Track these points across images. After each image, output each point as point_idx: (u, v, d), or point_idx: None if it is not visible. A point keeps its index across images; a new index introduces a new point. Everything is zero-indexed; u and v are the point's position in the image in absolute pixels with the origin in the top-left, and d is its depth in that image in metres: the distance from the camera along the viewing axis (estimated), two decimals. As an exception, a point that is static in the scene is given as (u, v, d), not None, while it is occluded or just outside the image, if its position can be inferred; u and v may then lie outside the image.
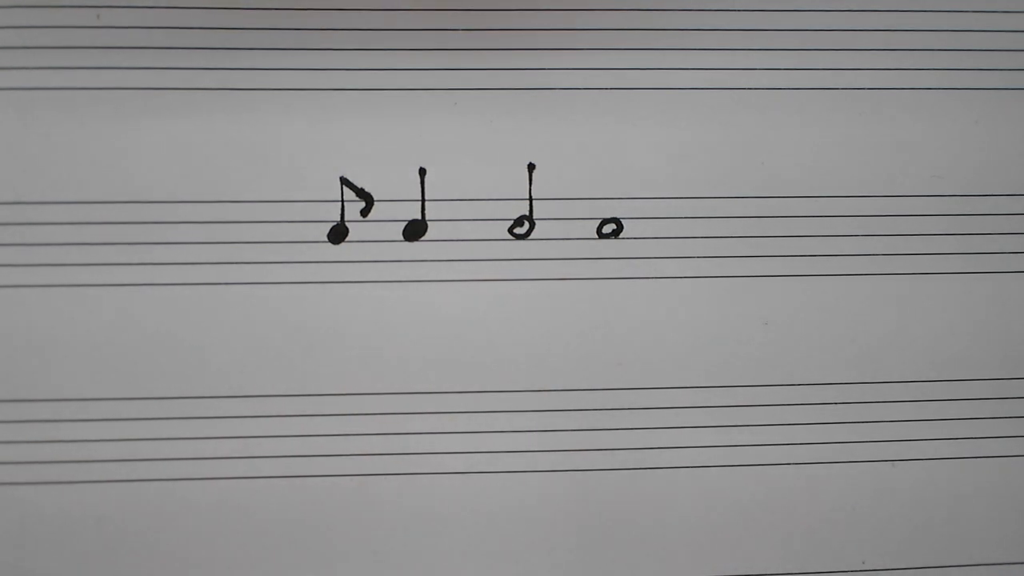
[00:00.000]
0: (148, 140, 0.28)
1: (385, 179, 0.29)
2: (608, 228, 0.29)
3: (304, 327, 0.28)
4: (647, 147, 0.29)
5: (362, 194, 0.29)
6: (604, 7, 0.29)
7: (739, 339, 0.29)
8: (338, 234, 0.29)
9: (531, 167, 0.29)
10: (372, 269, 0.29)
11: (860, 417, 0.29)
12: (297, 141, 0.28)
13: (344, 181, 0.28)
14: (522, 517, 0.29)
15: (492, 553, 0.29)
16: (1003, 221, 0.29)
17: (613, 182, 0.29)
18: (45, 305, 0.28)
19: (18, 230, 0.28)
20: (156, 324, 0.28)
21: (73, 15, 0.28)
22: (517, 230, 0.29)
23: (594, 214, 0.29)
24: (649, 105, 0.29)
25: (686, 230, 0.29)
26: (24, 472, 0.28)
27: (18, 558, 0.28)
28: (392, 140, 0.28)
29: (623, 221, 0.29)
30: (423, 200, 0.29)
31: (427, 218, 0.29)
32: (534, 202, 0.29)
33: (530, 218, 0.29)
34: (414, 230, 0.29)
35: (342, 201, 0.28)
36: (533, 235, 0.29)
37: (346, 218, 0.29)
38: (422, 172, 0.29)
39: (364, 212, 0.29)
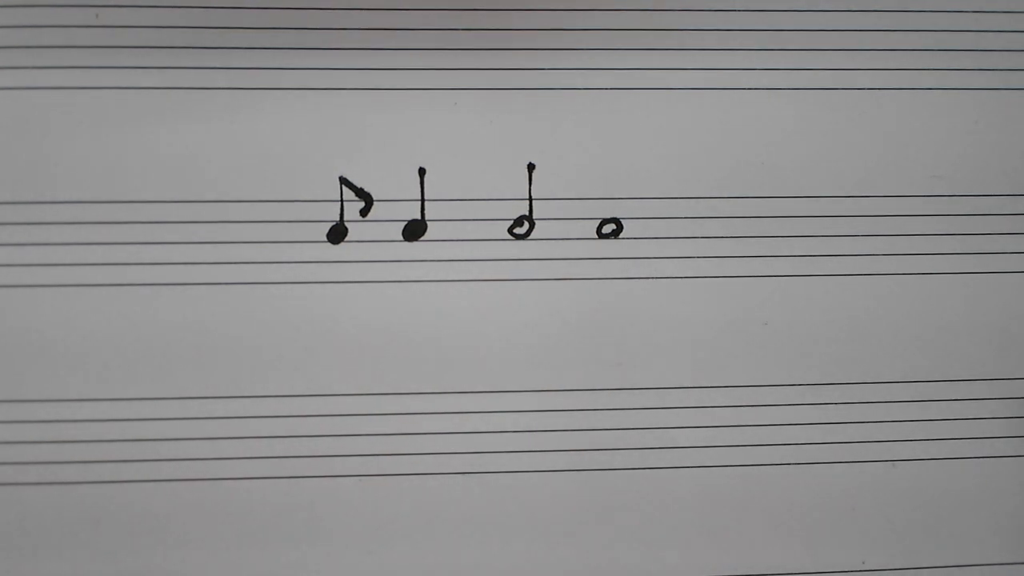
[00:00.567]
0: (148, 140, 0.28)
1: (385, 179, 0.29)
2: (608, 228, 0.29)
3: (303, 327, 0.28)
4: (647, 147, 0.29)
5: (362, 194, 0.29)
6: (604, 7, 0.28)
7: (739, 339, 0.29)
8: (338, 234, 0.29)
9: (531, 167, 0.29)
10: (371, 269, 0.29)
11: (860, 417, 0.29)
12: (297, 141, 0.28)
13: (344, 181, 0.28)
14: (522, 517, 0.29)
15: (492, 553, 0.29)
16: (1003, 221, 0.29)
17: (613, 182, 0.29)
18: (45, 305, 0.28)
19: (18, 230, 0.28)
20: (155, 324, 0.28)
21: (72, 14, 0.28)
22: (517, 230, 0.29)
23: (594, 214, 0.29)
24: (649, 105, 0.29)
25: (686, 230, 0.29)
26: (24, 472, 0.28)
27: (18, 558, 0.28)
28: (392, 140, 0.28)
29: (623, 221, 0.29)
30: (423, 200, 0.29)
31: (427, 218, 0.29)
32: (534, 202, 0.29)
33: (530, 218, 0.29)
34: (414, 230, 0.29)
35: (341, 201, 0.28)
36: (533, 235, 0.29)
37: (345, 218, 0.29)
38: (422, 172, 0.29)
39: (364, 212, 0.29)
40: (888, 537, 0.29)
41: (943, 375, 0.29)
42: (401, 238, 0.29)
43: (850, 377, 0.29)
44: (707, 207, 0.29)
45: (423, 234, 0.29)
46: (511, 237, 0.29)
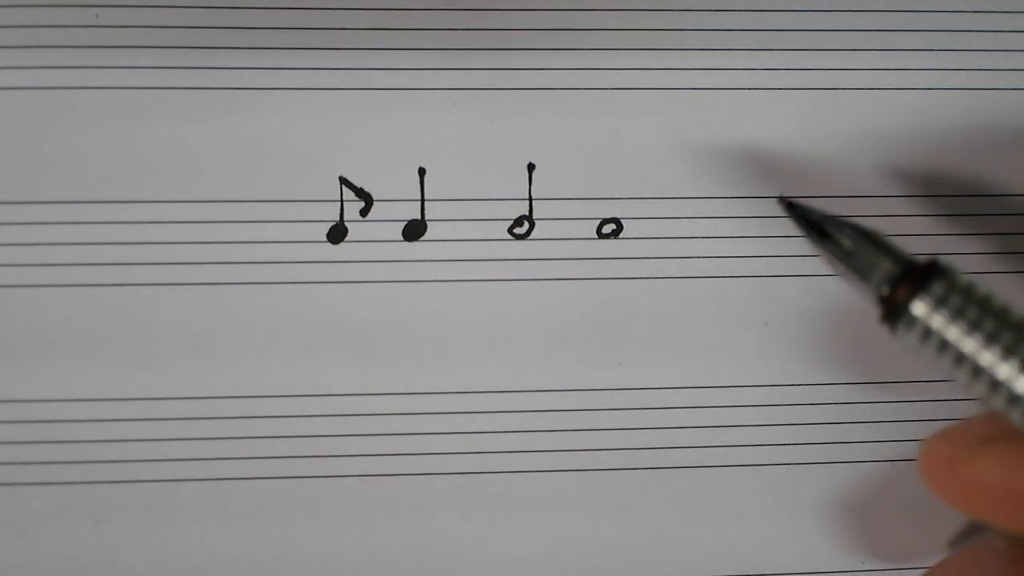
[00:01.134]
0: (148, 140, 0.28)
1: (385, 179, 0.29)
2: (608, 228, 0.29)
3: (303, 327, 0.28)
4: (647, 147, 0.29)
5: (361, 194, 0.29)
6: (604, 7, 0.29)
7: (739, 339, 0.29)
8: (337, 234, 0.29)
9: (531, 167, 0.29)
10: (371, 269, 0.29)
11: (860, 417, 0.29)
12: (296, 141, 0.28)
13: (343, 181, 0.28)
14: (522, 517, 0.29)
15: (492, 553, 0.29)
16: (1003, 221, 0.29)
17: (613, 182, 0.29)
18: (45, 305, 0.28)
19: (18, 230, 0.28)
20: (155, 324, 0.28)
21: (72, 14, 0.28)
22: (517, 230, 0.29)
23: (594, 214, 0.29)
24: (649, 105, 0.29)
25: (686, 230, 0.29)
26: (24, 472, 0.28)
27: (18, 558, 0.28)
28: (392, 140, 0.28)
29: (623, 221, 0.29)
30: (423, 200, 0.29)
31: (427, 218, 0.29)
32: (534, 202, 0.29)
33: (530, 218, 0.29)
34: (414, 230, 0.29)
35: (341, 201, 0.28)
36: (533, 235, 0.29)
37: (345, 218, 0.29)
38: (422, 172, 0.29)
39: (363, 212, 0.29)
40: (888, 537, 0.29)
41: (943, 374, 0.29)
42: (401, 238, 0.29)
43: (850, 377, 0.29)
44: (707, 207, 0.29)
45: (423, 234, 0.29)
46: (511, 237, 0.29)
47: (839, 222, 0.24)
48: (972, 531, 0.26)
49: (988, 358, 0.22)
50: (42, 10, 0.28)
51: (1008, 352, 0.22)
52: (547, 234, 0.29)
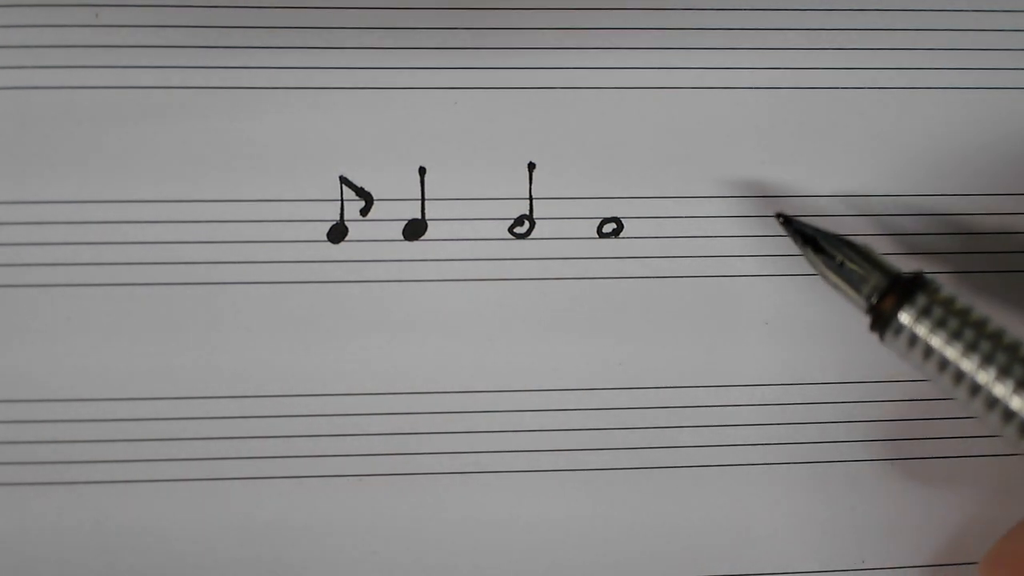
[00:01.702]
0: (148, 140, 0.28)
1: (385, 178, 0.29)
2: (608, 228, 0.29)
3: (303, 327, 0.28)
4: (647, 147, 0.29)
5: (362, 193, 0.29)
6: (605, 7, 0.29)
7: (739, 339, 0.29)
8: (337, 233, 0.29)
9: (531, 166, 0.29)
10: (372, 268, 0.29)
11: (860, 416, 0.29)
12: (296, 140, 0.28)
13: (344, 180, 0.28)
14: (522, 516, 0.29)
15: (493, 553, 0.29)
16: (1003, 221, 0.29)
17: (613, 182, 0.29)
18: (45, 305, 0.28)
19: (18, 230, 0.28)
20: (155, 324, 0.28)
21: (71, 14, 0.28)
22: (517, 229, 0.29)
23: (594, 213, 0.29)
24: (649, 105, 0.29)
25: (686, 230, 0.29)
26: (24, 472, 0.28)
27: (18, 558, 0.28)
28: (392, 139, 0.28)
29: (623, 221, 0.29)
30: (423, 199, 0.29)
31: (427, 217, 0.29)
32: (534, 201, 0.29)
33: (530, 217, 0.29)
34: (414, 229, 0.29)
35: (341, 200, 0.28)
36: (533, 234, 0.29)
37: (345, 217, 0.29)
38: (422, 171, 0.29)
39: (364, 211, 0.29)
40: (888, 537, 0.29)
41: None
42: (401, 237, 0.29)
43: (850, 377, 0.29)
44: (707, 207, 0.29)
45: (423, 233, 0.29)
46: (511, 237, 0.29)
47: (832, 237, 0.27)
48: None
49: (967, 364, 0.24)
50: (42, 10, 0.28)
51: (985, 359, 0.24)
52: (547, 233, 0.29)
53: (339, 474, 0.29)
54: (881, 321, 0.26)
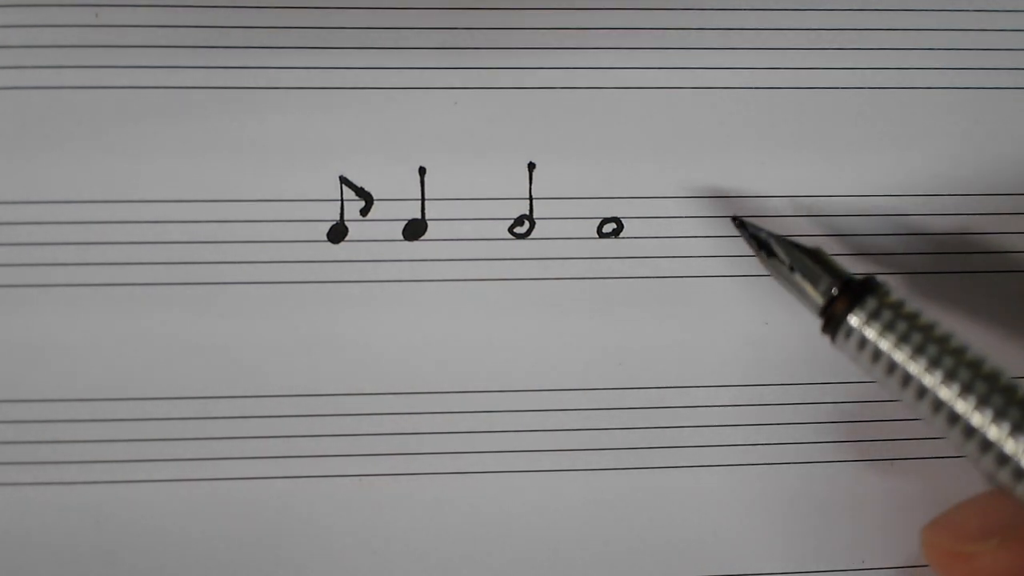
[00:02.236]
0: (147, 140, 0.28)
1: (385, 178, 0.29)
2: (608, 227, 0.29)
3: (303, 327, 0.28)
4: (647, 147, 0.29)
5: (362, 193, 0.29)
6: (605, 7, 0.29)
7: (739, 339, 0.29)
8: (337, 233, 0.29)
9: (531, 166, 0.29)
10: (372, 269, 0.29)
11: (860, 416, 0.29)
12: (296, 140, 0.28)
13: (344, 180, 0.28)
14: (522, 516, 0.29)
15: (493, 553, 0.29)
16: (1003, 221, 0.29)
17: (613, 182, 0.29)
18: (45, 305, 0.28)
19: (18, 230, 0.28)
20: (155, 324, 0.28)
21: (71, 14, 0.28)
22: (517, 229, 0.29)
23: (594, 213, 0.29)
24: (649, 105, 0.29)
25: (686, 230, 0.29)
26: (24, 472, 0.28)
27: (18, 558, 0.28)
28: (392, 139, 0.28)
29: (623, 220, 0.29)
30: (423, 199, 0.29)
31: (427, 217, 0.29)
32: (534, 201, 0.29)
33: (530, 217, 0.29)
34: (414, 229, 0.29)
35: (341, 200, 0.28)
36: (533, 234, 0.29)
37: (346, 217, 0.29)
38: (422, 171, 0.29)
39: (364, 211, 0.29)
40: (888, 537, 0.29)
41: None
42: (401, 237, 0.29)
43: (849, 376, 0.29)
44: (707, 207, 0.29)
45: (423, 233, 0.29)
46: (511, 237, 0.29)
47: (784, 241, 0.27)
48: None
49: (915, 368, 0.24)
50: (42, 10, 0.28)
51: (932, 363, 0.24)
52: (547, 233, 0.29)
53: (340, 474, 0.29)
54: (832, 323, 0.26)
